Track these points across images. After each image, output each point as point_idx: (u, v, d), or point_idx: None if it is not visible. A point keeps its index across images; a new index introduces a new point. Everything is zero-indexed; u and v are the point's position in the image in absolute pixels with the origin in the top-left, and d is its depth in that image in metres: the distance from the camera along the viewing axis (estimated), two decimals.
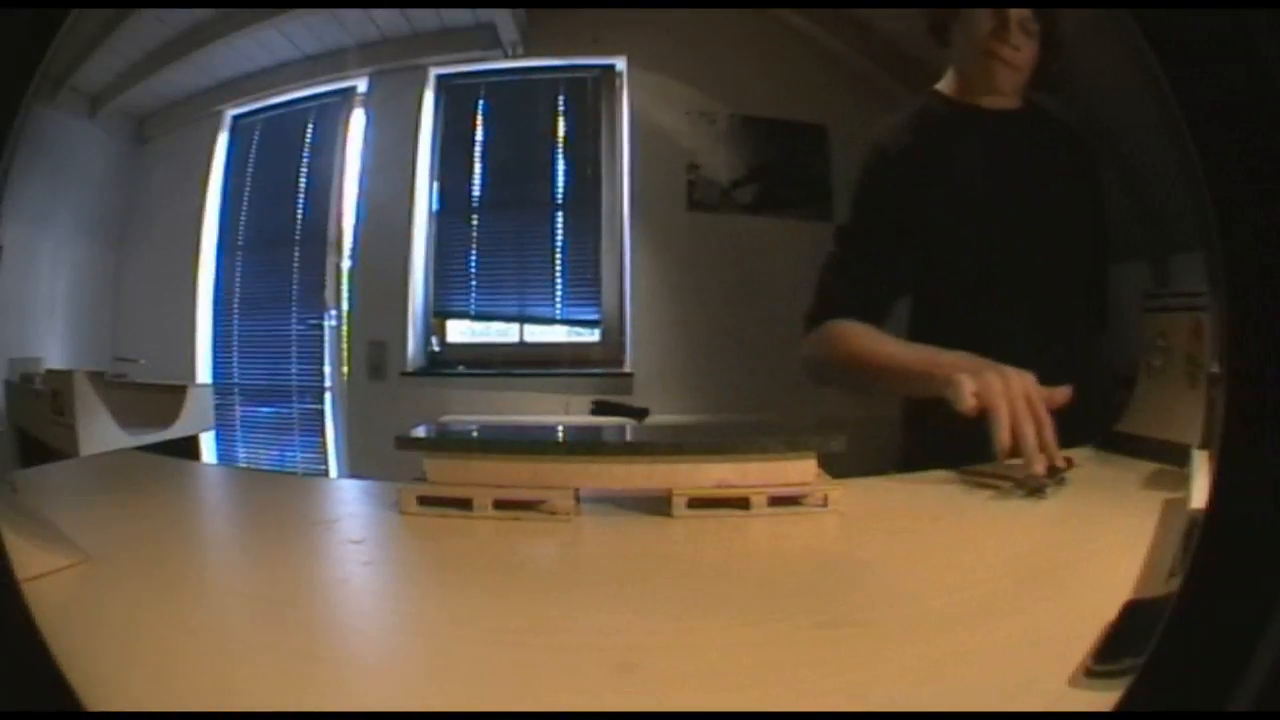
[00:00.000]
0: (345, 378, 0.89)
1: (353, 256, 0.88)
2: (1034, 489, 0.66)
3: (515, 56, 0.85)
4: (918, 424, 0.80)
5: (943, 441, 0.77)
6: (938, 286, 0.80)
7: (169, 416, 0.84)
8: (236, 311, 0.91)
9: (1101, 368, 0.82)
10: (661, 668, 0.43)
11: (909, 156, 0.81)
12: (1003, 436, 0.65)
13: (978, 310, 0.79)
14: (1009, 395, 0.66)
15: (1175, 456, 0.60)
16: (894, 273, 0.79)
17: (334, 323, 0.89)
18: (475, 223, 0.93)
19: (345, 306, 0.88)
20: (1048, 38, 0.77)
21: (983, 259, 0.80)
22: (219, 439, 0.89)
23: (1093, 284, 0.81)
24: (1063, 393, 0.68)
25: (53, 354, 0.81)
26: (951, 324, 0.79)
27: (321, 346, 0.90)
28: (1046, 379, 0.69)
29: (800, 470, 0.67)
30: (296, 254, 0.90)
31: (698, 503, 0.65)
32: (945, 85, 0.81)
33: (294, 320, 0.91)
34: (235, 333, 0.91)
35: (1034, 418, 0.66)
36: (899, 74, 0.84)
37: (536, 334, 0.90)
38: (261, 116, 0.90)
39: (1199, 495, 0.41)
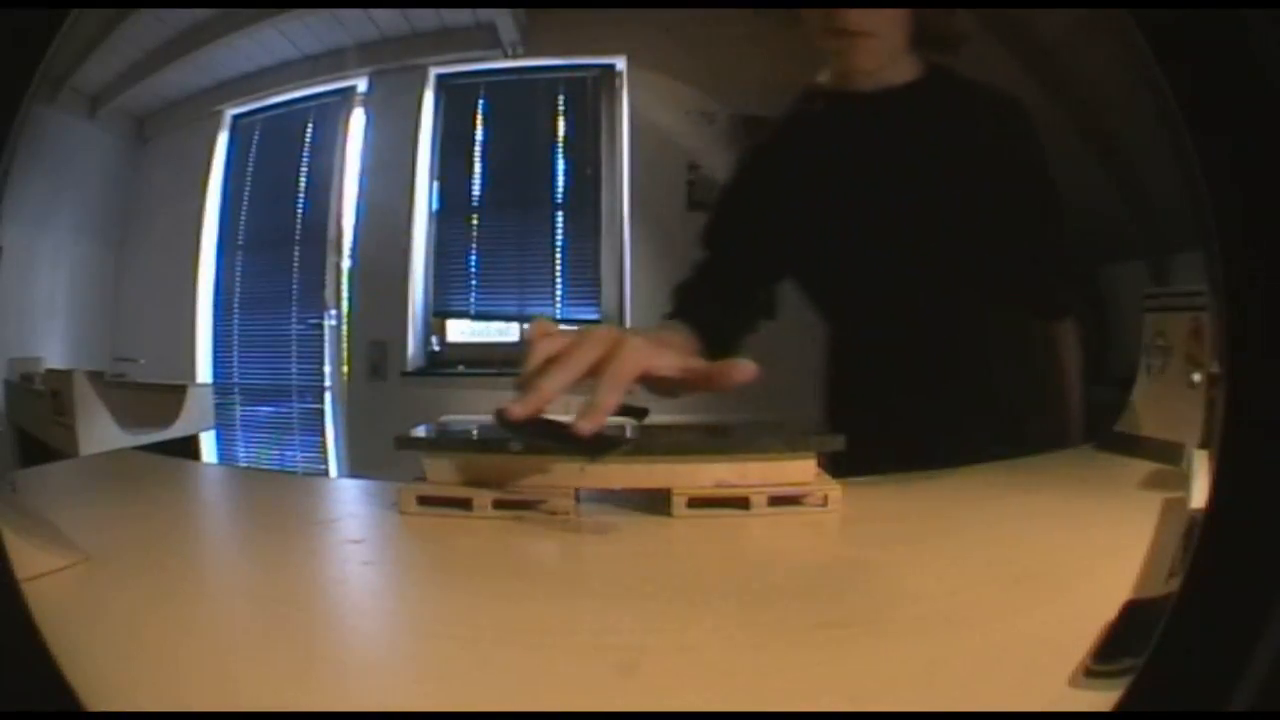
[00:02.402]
0: (345, 378, 0.89)
1: (353, 256, 0.88)
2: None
3: (515, 56, 0.85)
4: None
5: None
6: (818, 288, 0.74)
7: (169, 416, 0.84)
8: (236, 311, 0.91)
9: (1071, 351, 0.76)
10: (661, 668, 0.43)
11: (762, 157, 0.76)
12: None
13: (859, 313, 0.74)
14: (558, 345, 0.59)
15: (1175, 456, 0.60)
16: (741, 275, 0.75)
17: (334, 323, 0.89)
18: (475, 223, 0.93)
19: (345, 306, 0.88)
20: None
21: (855, 260, 0.72)
22: (219, 439, 0.89)
23: (1042, 258, 0.74)
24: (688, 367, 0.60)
25: (53, 354, 0.81)
26: (849, 325, 0.73)
27: (321, 346, 0.90)
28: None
29: (800, 470, 0.67)
30: (296, 254, 0.90)
31: (698, 502, 0.65)
32: (822, 74, 0.74)
33: (294, 320, 0.91)
34: (235, 332, 0.91)
35: (573, 367, 0.58)
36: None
37: None
38: (261, 116, 0.90)
39: (1199, 495, 0.41)
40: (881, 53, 0.67)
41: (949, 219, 0.72)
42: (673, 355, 0.61)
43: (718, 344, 0.71)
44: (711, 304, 0.74)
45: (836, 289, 0.73)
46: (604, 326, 0.65)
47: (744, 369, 0.59)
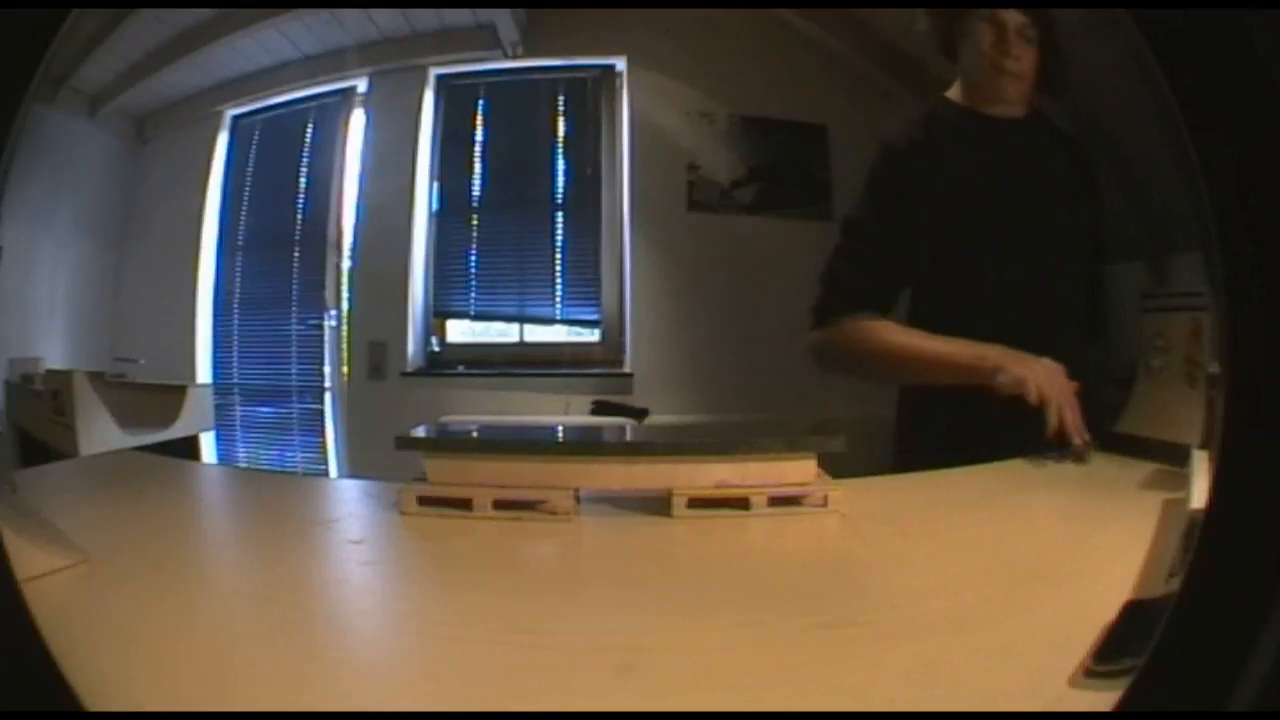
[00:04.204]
0: (345, 378, 0.89)
1: (353, 256, 0.88)
2: (1078, 457, 0.73)
3: (515, 56, 0.85)
4: (917, 423, 0.81)
5: (939, 439, 0.79)
6: (939, 282, 0.82)
7: (169, 416, 0.84)
8: (236, 311, 0.91)
9: (1096, 371, 0.82)
10: (661, 668, 0.43)
11: (918, 154, 0.84)
12: (1054, 420, 0.73)
13: (978, 309, 0.81)
14: (1052, 383, 0.73)
15: (1175, 456, 0.60)
16: (901, 266, 0.82)
17: (334, 323, 0.89)
18: (475, 223, 0.93)
19: (345, 306, 0.88)
20: (1047, 44, 0.79)
21: (983, 258, 0.82)
22: (219, 439, 0.89)
23: (1090, 289, 0.84)
24: (1078, 385, 0.74)
25: (53, 354, 0.81)
26: (951, 321, 0.80)
27: (321, 346, 0.90)
28: None
29: (800, 470, 0.67)
30: (296, 254, 0.90)
31: (698, 503, 0.65)
32: (954, 93, 0.83)
33: (294, 320, 0.91)
34: (235, 333, 0.91)
35: (1070, 401, 0.73)
36: (898, 74, 0.84)
37: (536, 334, 0.90)
38: (261, 116, 0.90)
39: (1199, 495, 0.41)
40: (1022, 90, 0.82)
41: (1049, 235, 0.84)
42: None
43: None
44: (879, 294, 0.83)
45: (961, 279, 0.83)
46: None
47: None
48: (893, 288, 0.81)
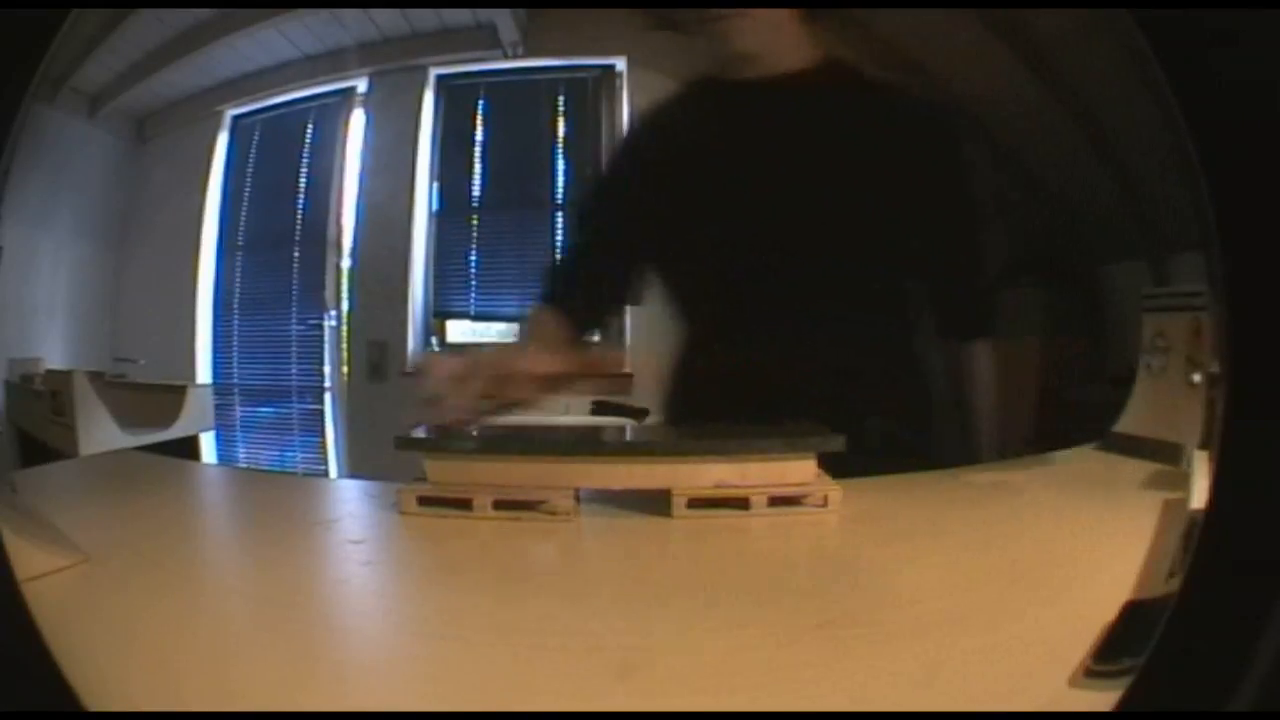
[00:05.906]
0: (345, 378, 0.89)
1: (353, 256, 0.88)
2: None
3: (515, 56, 0.85)
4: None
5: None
6: (685, 276, 0.74)
7: (169, 416, 0.84)
8: (236, 311, 0.91)
9: (1094, 370, 0.75)
10: (661, 668, 0.43)
11: (640, 139, 0.75)
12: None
13: (696, 297, 0.74)
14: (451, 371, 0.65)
15: (1175, 456, 0.60)
16: (618, 258, 0.75)
17: (334, 323, 0.89)
18: (475, 223, 0.93)
19: (345, 306, 0.88)
20: None
21: (733, 241, 0.70)
22: (219, 439, 0.89)
23: (946, 277, 0.71)
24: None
25: (53, 354, 0.81)
26: (705, 316, 0.73)
27: (321, 346, 0.90)
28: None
29: (800, 470, 0.67)
30: (296, 254, 0.90)
31: (697, 503, 0.65)
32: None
33: (294, 320, 0.91)
34: (235, 333, 0.91)
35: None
36: (897, 74, 0.84)
37: None
38: (261, 116, 0.90)
39: (1199, 495, 0.41)
40: (759, 33, 0.64)
41: (820, 223, 0.69)
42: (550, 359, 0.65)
43: (585, 327, 0.75)
44: (579, 288, 0.75)
45: (699, 284, 0.72)
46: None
47: (613, 360, 0.65)
48: (587, 280, 0.74)
